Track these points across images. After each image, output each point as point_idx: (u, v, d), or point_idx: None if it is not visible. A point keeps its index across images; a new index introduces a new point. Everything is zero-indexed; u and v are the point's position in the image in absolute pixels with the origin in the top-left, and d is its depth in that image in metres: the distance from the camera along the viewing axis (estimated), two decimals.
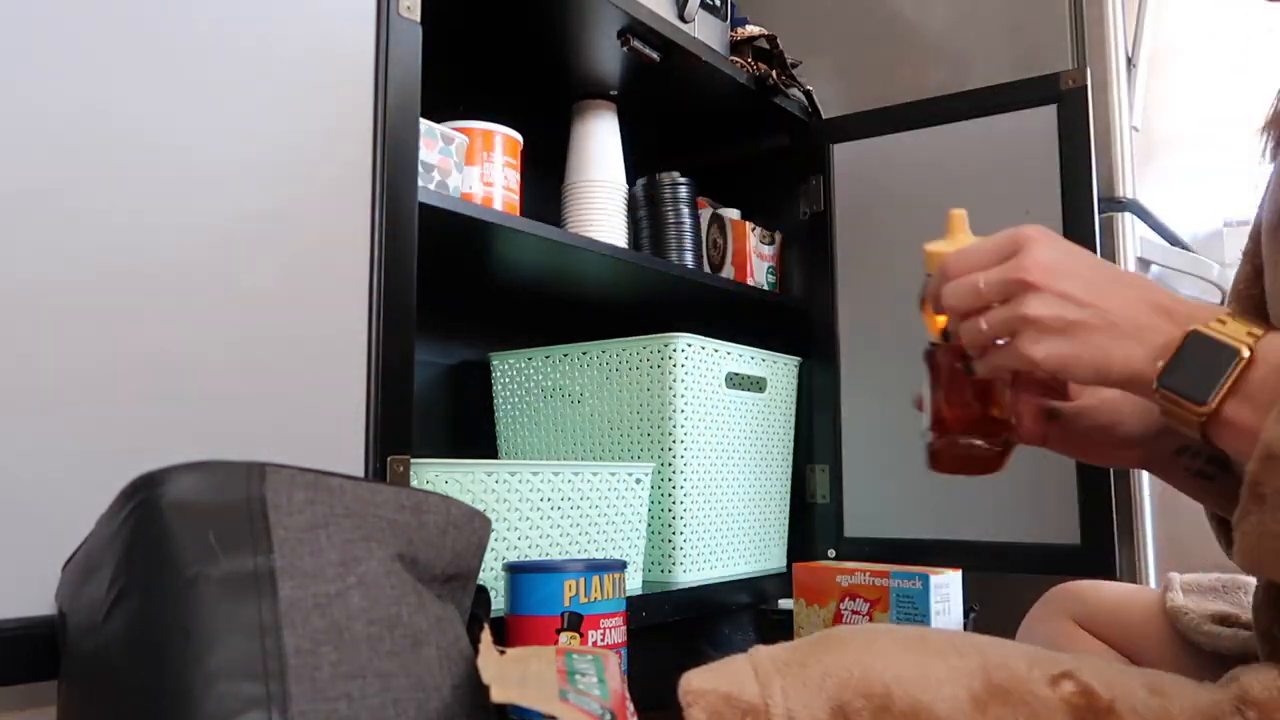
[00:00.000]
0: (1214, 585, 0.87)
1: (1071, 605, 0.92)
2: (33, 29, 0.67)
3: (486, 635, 0.63)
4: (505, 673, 0.59)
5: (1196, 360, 0.53)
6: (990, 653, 0.52)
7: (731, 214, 1.55)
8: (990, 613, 1.24)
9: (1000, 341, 0.60)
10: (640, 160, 1.47)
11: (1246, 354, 0.52)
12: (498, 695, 0.55)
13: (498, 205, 1.14)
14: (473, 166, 1.13)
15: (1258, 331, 0.53)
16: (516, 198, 1.18)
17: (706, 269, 1.49)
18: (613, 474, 1.16)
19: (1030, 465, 1.30)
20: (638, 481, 1.20)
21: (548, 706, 0.56)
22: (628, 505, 1.18)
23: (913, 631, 0.56)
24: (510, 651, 0.67)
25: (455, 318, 1.41)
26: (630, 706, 0.66)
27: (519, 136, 1.19)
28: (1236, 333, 0.53)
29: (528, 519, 1.06)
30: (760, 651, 0.54)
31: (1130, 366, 0.56)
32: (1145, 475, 1.33)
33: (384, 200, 0.86)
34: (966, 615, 1.30)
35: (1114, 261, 1.36)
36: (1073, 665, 0.51)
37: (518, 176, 1.18)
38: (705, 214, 1.51)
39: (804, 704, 0.49)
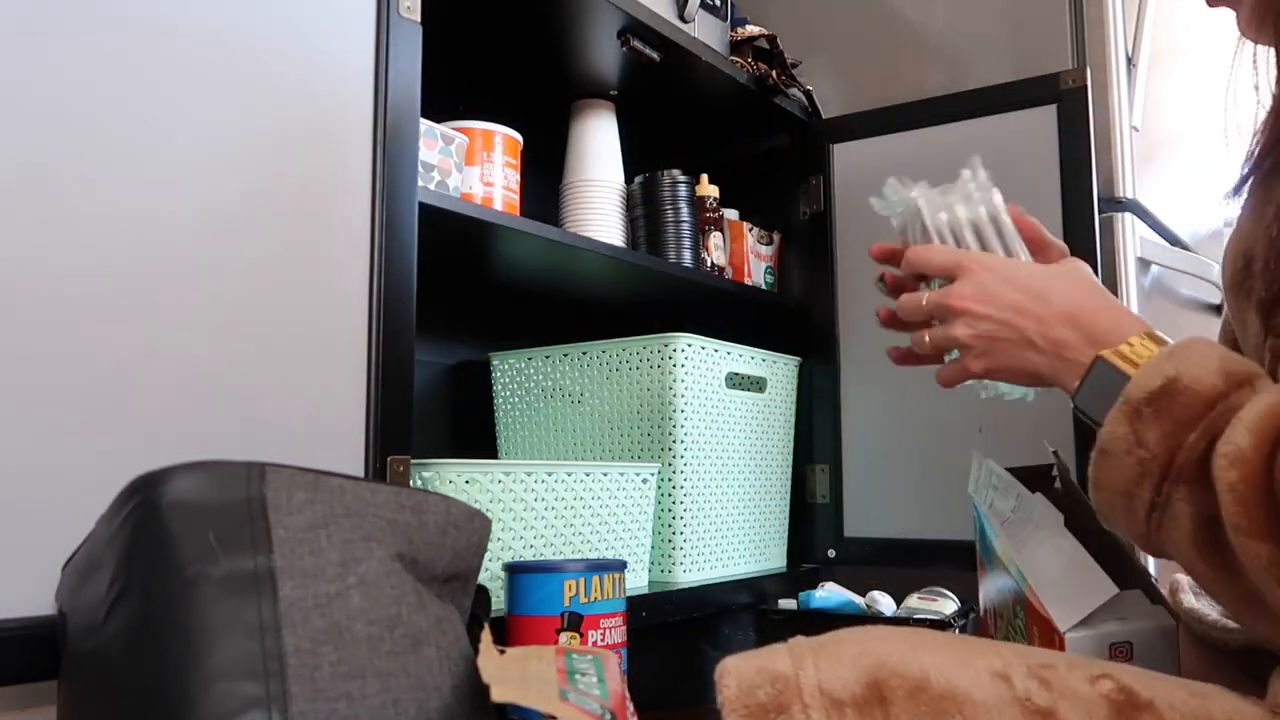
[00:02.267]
0: None
1: None
2: (42, 33, 0.67)
3: (486, 635, 0.63)
4: (505, 672, 0.59)
5: (1100, 385, 0.60)
6: (1030, 653, 0.52)
7: (729, 214, 1.55)
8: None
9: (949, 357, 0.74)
10: (639, 160, 1.47)
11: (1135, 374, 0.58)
12: (498, 695, 0.55)
13: (498, 205, 1.14)
14: (473, 166, 1.13)
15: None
16: (516, 198, 1.18)
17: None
18: (620, 474, 1.16)
19: (1029, 464, 1.30)
20: (644, 481, 1.20)
21: (548, 706, 0.56)
22: (634, 505, 1.18)
23: (954, 635, 0.56)
24: (510, 651, 0.67)
25: (455, 318, 1.41)
26: (630, 706, 0.66)
27: (519, 136, 1.19)
28: (1141, 355, 0.59)
29: (542, 518, 1.06)
30: (798, 637, 0.53)
31: (1057, 380, 0.65)
32: None
33: (384, 200, 0.86)
34: (966, 615, 1.30)
35: (1113, 259, 1.36)
36: (1111, 669, 0.51)
37: (518, 176, 1.18)
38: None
39: (836, 676, 0.48)
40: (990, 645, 0.52)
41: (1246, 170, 0.66)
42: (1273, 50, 0.66)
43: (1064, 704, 0.47)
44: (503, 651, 0.64)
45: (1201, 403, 0.53)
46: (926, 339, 0.72)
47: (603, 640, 0.86)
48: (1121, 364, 0.59)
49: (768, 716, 0.47)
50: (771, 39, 1.46)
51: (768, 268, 1.57)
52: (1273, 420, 0.49)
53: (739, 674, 0.49)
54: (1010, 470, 0.83)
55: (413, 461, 0.87)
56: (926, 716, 0.46)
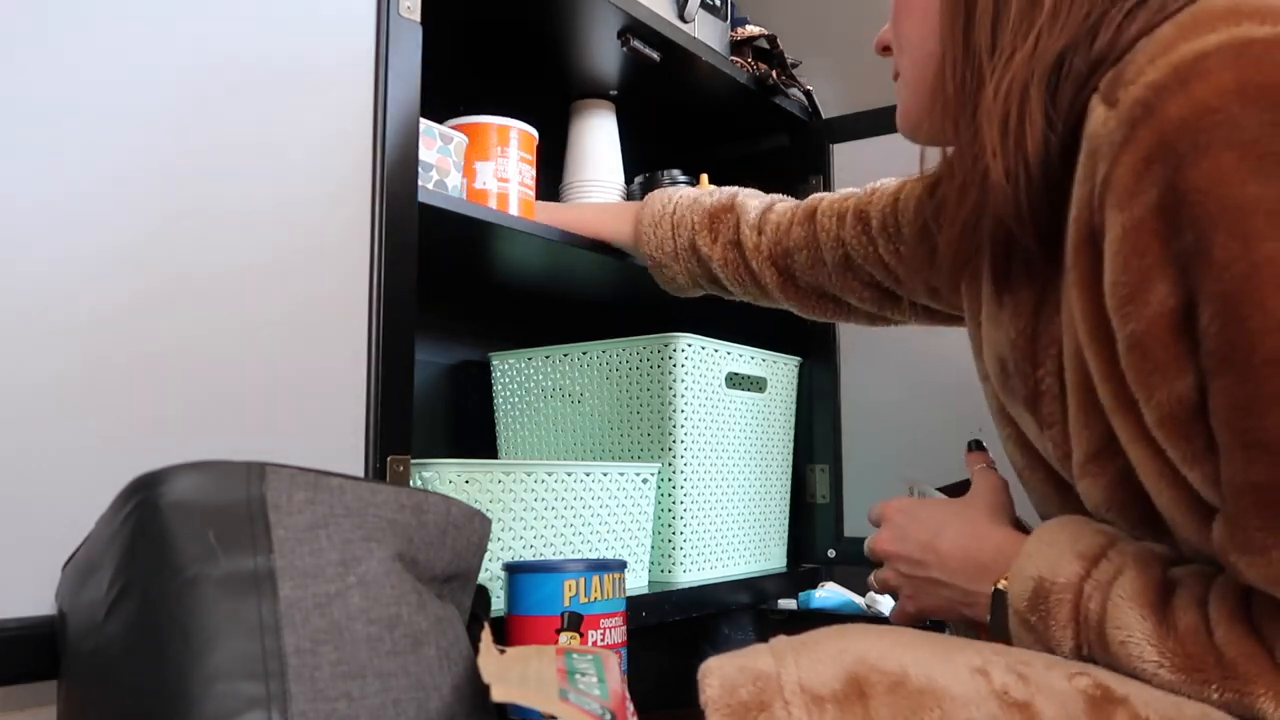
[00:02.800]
0: None
1: None
2: (45, 27, 0.67)
3: (487, 635, 0.63)
4: (506, 672, 0.59)
5: (1002, 614, 0.62)
6: (1007, 651, 0.53)
7: None
8: None
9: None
10: (640, 160, 1.47)
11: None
12: (498, 694, 0.55)
13: (513, 201, 1.14)
14: (487, 162, 1.13)
15: None
16: (532, 194, 1.18)
17: None
18: (620, 474, 1.16)
19: None
20: (644, 481, 1.20)
21: (548, 706, 0.56)
22: (635, 505, 1.18)
23: (933, 634, 0.58)
24: (510, 651, 0.67)
25: (455, 318, 1.41)
26: (630, 706, 0.66)
27: (534, 132, 1.19)
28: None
29: (542, 518, 1.06)
30: (780, 637, 0.55)
31: (975, 616, 0.68)
32: None
33: (384, 200, 0.86)
34: None
35: None
36: (1087, 668, 0.52)
37: (533, 172, 1.18)
38: None
39: (817, 673, 0.49)
40: (969, 643, 0.54)
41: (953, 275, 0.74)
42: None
43: (1041, 698, 0.48)
44: (503, 651, 0.64)
45: (1072, 591, 0.56)
46: (872, 579, 0.79)
47: (603, 640, 0.86)
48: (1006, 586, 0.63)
49: (749, 714, 0.48)
50: (771, 39, 1.46)
51: None
52: (1147, 593, 0.54)
53: (721, 673, 0.50)
54: (951, 486, 0.84)
55: (413, 461, 0.87)
56: (906, 711, 0.47)
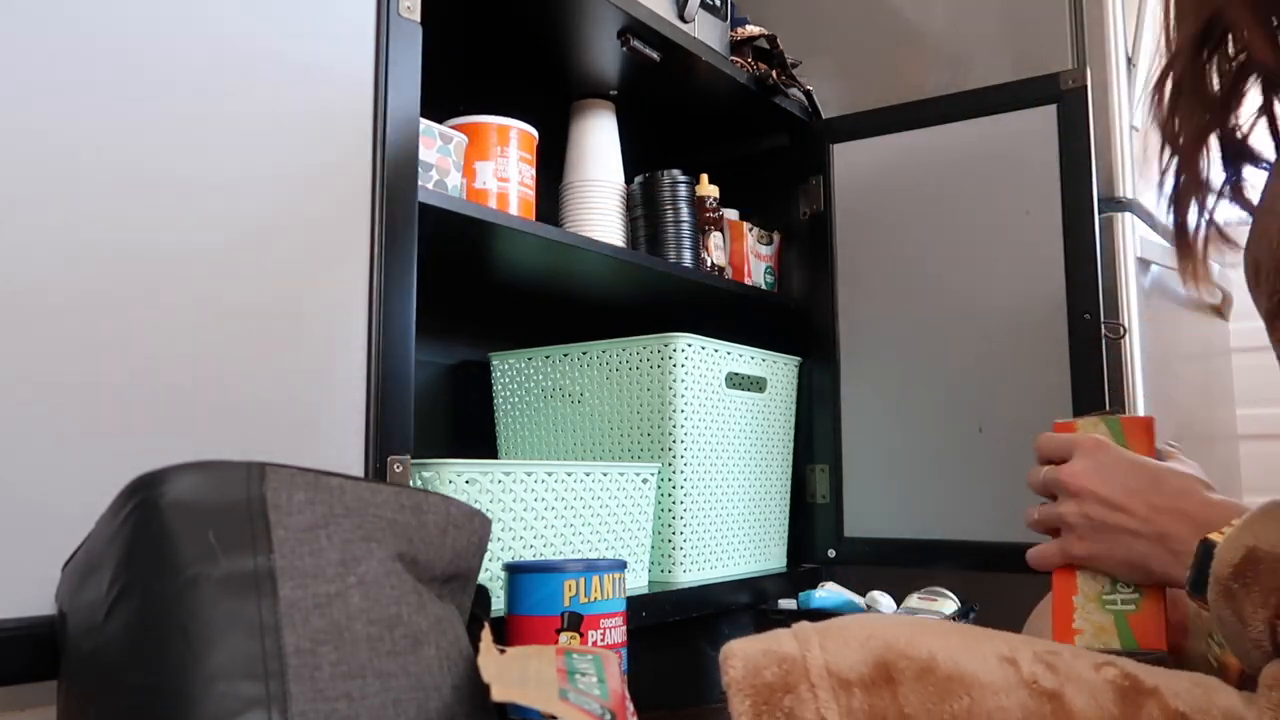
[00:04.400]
0: None
1: None
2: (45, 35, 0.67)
3: (487, 634, 0.63)
4: (505, 672, 0.59)
5: (1202, 567, 0.57)
6: (1034, 642, 0.52)
7: (729, 214, 1.55)
8: (990, 612, 1.24)
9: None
10: (640, 160, 1.47)
11: None
12: (498, 694, 0.55)
13: (513, 200, 1.14)
14: (487, 162, 1.13)
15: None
16: (532, 194, 1.18)
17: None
18: (620, 474, 1.16)
19: (1030, 465, 1.30)
20: (644, 481, 1.20)
21: (548, 706, 0.56)
22: (635, 505, 1.18)
23: (959, 624, 0.56)
24: (510, 651, 0.67)
25: (455, 318, 1.41)
26: (630, 706, 0.66)
27: (534, 131, 1.19)
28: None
29: (542, 518, 1.06)
30: (802, 623, 0.53)
31: (1167, 573, 0.63)
32: None
33: (384, 200, 0.86)
34: (966, 615, 1.30)
35: (1113, 260, 1.36)
36: (1114, 659, 0.51)
37: (533, 172, 1.18)
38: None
39: (843, 657, 0.48)
40: (995, 633, 0.52)
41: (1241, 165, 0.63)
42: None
43: (1070, 687, 0.47)
44: (503, 651, 0.64)
45: None
46: (1035, 515, 0.70)
47: (603, 640, 0.86)
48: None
49: (774, 696, 0.47)
50: (771, 39, 1.46)
51: (768, 268, 1.57)
52: None
53: (745, 655, 0.49)
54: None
55: (413, 461, 0.87)
56: (934, 697, 0.46)
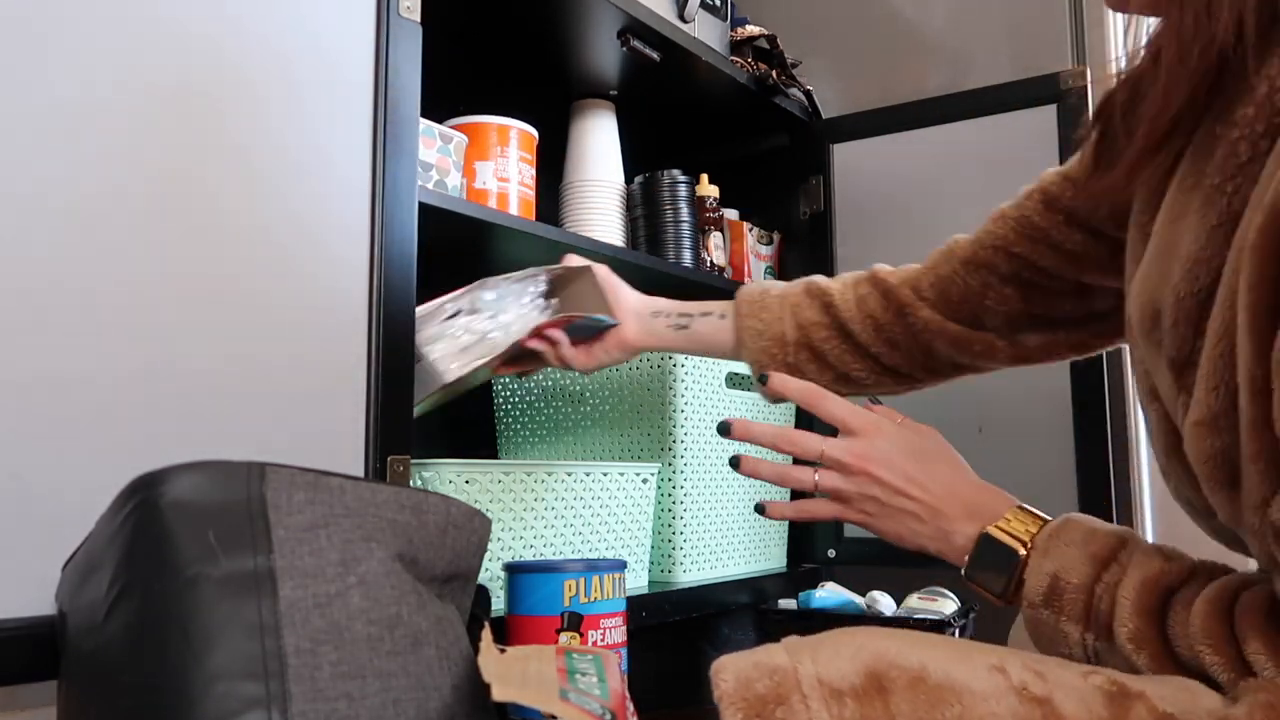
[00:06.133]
0: None
1: None
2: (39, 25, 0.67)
3: (487, 634, 0.63)
4: (506, 672, 0.59)
5: (987, 559, 0.67)
6: (1021, 654, 0.53)
7: (729, 214, 1.55)
8: (989, 612, 1.24)
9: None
10: (640, 160, 1.47)
11: (1024, 552, 0.65)
12: (499, 694, 0.55)
13: (513, 201, 1.14)
14: (486, 162, 1.13)
15: (1033, 528, 0.66)
16: (532, 193, 1.17)
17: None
18: (620, 474, 1.16)
19: (1030, 465, 1.30)
20: (644, 481, 1.20)
21: (549, 706, 0.56)
22: (634, 505, 1.18)
23: (947, 637, 0.62)
24: (510, 651, 0.67)
25: None
26: (630, 706, 0.66)
27: (534, 131, 1.19)
28: (1018, 530, 0.66)
29: (542, 518, 1.06)
30: (792, 636, 0.54)
31: (942, 554, 0.70)
32: (1145, 474, 1.33)
33: (384, 200, 0.86)
34: (966, 615, 1.30)
35: None
36: (1099, 669, 0.52)
37: (533, 172, 1.18)
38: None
39: (835, 668, 0.49)
40: (984, 645, 0.54)
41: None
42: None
43: (1060, 693, 0.48)
44: (503, 651, 0.64)
45: (1084, 592, 0.60)
46: (816, 478, 0.75)
47: (603, 640, 0.86)
48: (1004, 538, 0.66)
49: (766, 708, 0.47)
50: (771, 39, 1.46)
51: (768, 268, 1.57)
52: (1148, 594, 0.57)
53: (736, 669, 0.49)
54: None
55: (413, 461, 0.87)
56: (926, 705, 0.46)
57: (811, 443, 0.76)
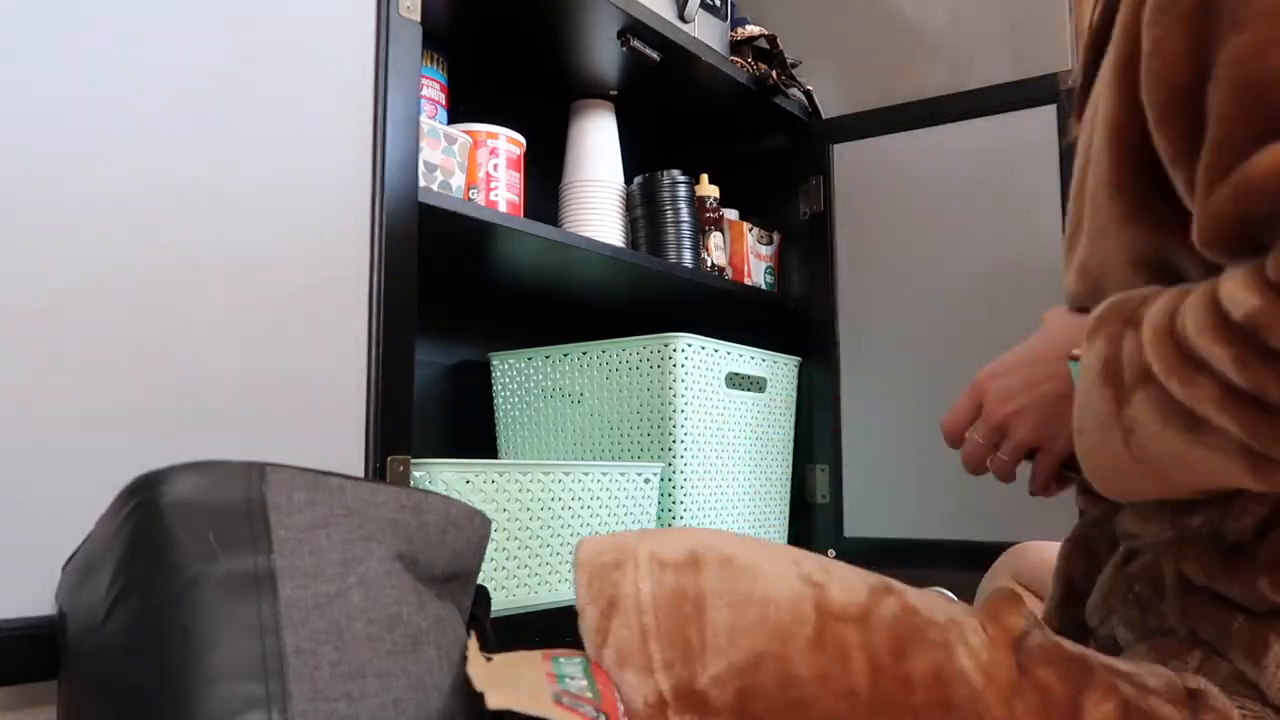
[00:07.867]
0: None
1: (1012, 561, 1.01)
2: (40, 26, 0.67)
3: (473, 644, 0.63)
4: (497, 678, 0.59)
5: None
6: (824, 558, 0.62)
7: (729, 214, 1.55)
8: None
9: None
10: (639, 160, 1.47)
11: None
12: (493, 701, 0.55)
13: (500, 207, 1.14)
14: (476, 168, 1.13)
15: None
16: (519, 199, 1.18)
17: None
18: (621, 474, 1.16)
19: (1029, 465, 1.30)
20: (646, 481, 1.20)
21: (545, 711, 0.56)
22: (635, 505, 1.18)
23: (769, 541, 0.67)
24: (497, 658, 0.67)
25: (455, 318, 1.41)
26: (621, 708, 0.66)
27: (521, 138, 1.19)
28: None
29: (538, 519, 1.06)
30: (643, 529, 0.63)
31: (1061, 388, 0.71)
32: None
33: (384, 200, 0.86)
34: None
35: None
36: (886, 579, 0.61)
37: (520, 178, 1.18)
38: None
39: (665, 547, 0.59)
40: (794, 549, 0.63)
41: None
42: None
43: (835, 584, 0.58)
44: (489, 659, 0.64)
45: (1121, 317, 0.59)
46: (1005, 458, 0.76)
47: None
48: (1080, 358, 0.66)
49: (605, 570, 0.59)
50: (771, 39, 1.46)
51: (768, 268, 1.57)
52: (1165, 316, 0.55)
53: (591, 543, 0.61)
54: None
55: (412, 461, 0.87)
56: (728, 578, 0.58)
57: (970, 449, 0.79)
